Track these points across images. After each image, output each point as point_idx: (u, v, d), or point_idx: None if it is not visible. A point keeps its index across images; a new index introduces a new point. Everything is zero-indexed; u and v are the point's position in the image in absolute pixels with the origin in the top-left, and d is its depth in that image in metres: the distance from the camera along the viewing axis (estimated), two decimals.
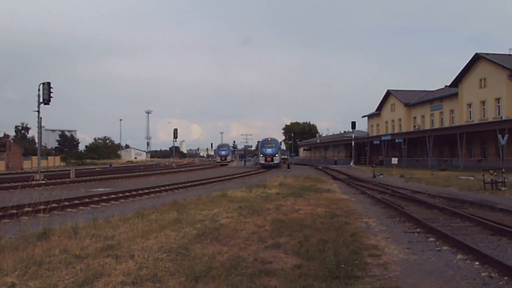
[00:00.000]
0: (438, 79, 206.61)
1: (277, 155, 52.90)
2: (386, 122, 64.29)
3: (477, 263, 6.28)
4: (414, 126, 55.03)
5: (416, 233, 8.85)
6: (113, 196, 17.06)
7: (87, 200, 15.55)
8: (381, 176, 31.36)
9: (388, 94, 62.79)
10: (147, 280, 5.15)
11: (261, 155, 53.50)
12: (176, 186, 22.36)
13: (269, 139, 54.92)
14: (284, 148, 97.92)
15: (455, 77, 44.28)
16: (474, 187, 18.84)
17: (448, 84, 47.09)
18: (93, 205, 14.62)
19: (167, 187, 21.35)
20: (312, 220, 10.13)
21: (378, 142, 55.24)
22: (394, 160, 35.15)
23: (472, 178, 23.62)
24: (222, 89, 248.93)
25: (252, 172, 40.96)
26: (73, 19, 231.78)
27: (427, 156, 43.56)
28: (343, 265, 5.91)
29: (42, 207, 11.30)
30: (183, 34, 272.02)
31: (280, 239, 7.89)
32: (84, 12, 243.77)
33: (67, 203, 13.85)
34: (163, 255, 6.35)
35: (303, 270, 5.78)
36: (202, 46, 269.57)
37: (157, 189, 20.39)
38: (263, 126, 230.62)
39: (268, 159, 51.79)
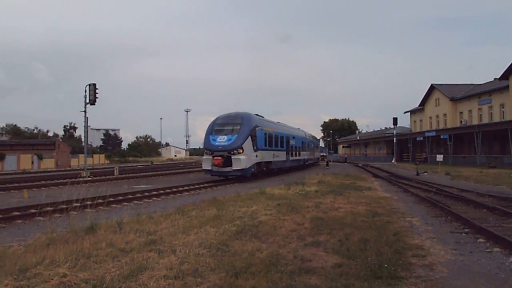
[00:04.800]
0: (486, 71, 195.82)
1: (241, 150, 23.18)
2: (430, 117, 61.92)
3: None
4: (461, 122, 52.60)
5: (464, 234, 8.44)
6: (154, 192, 17.55)
7: (130, 196, 16.08)
8: (425, 174, 30.23)
9: (432, 88, 60.43)
10: (188, 275, 5.25)
11: (206, 151, 24.47)
12: (215, 183, 22.67)
13: (232, 116, 25.54)
14: (323, 145, 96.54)
15: (505, 69, 41.81)
16: None
17: (498, 77, 44.57)
18: (136, 201, 15.10)
19: (206, 184, 21.70)
20: (352, 218, 9.92)
21: (421, 138, 53.27)
22: (439, 157, 33.74)
23: None
24: (260, 86, 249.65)
25: (291, 170, 40.71)
26: (117, 25, 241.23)
27: (475, 153, 41.48)
28: (385, 265, 5.73)
29: (89, 202, 11.78)
30: (221, 32, 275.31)
31: (320, 237, 7.78)
32: (127, 17, 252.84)
33: (111, 199, 14.40)
34: (204, 251, 6.45)
35: (344, 269, 5.67)
36: (240, 43, 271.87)
37: (197, 186, 20.78)
38: (302, 123, 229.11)
39: (217, 160, 23.01)
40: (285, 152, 32.50)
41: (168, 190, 18.36)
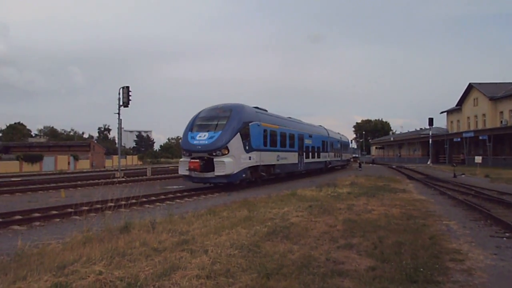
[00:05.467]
0: None
1: (226, 151, 18.41)
2: (468, 117, 59.62)
3: None
4: (501, 122, 50.28)
5: (505, 238, 8.06)
6: (186, 193, 17.80)
7: (162, 196, 16.37)
8: (463, 176, 29.13)
9: (470, 87, 58.15)
10: (220, 275, 5.27)
11: (183, 152, 19.76)
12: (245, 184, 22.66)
13: (219, 108, 20.66)
14: (355, 147, 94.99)
15: None
16: None
17: None
18: (168, 202, 15.34)
19: (237, 186, 21.72)
20: (386, 221, 9.68)
21: (459, 139, 51.33)
22: (478, 159, 32.42)
23: None
24: (291, 87, 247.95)
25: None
26: (150, 30, 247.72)
27: None
28: (421, 269, 5.55)
29: (123, 202, 12.06)
30: (252, 34, 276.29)
31: (353, 240, 7.63)
32: (159, 23, 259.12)
33: (144, 199, 14.72)
34: (235, 251, 6.46)
35: (378, 272, 5.53)
36: (270, 44, 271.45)
37: (227, 187, 20.85)
38: (333, 124, 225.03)
39: (193, 163, 18.22)
40: (297, 153, 27.49)
41: (199, 191, 18.55)
